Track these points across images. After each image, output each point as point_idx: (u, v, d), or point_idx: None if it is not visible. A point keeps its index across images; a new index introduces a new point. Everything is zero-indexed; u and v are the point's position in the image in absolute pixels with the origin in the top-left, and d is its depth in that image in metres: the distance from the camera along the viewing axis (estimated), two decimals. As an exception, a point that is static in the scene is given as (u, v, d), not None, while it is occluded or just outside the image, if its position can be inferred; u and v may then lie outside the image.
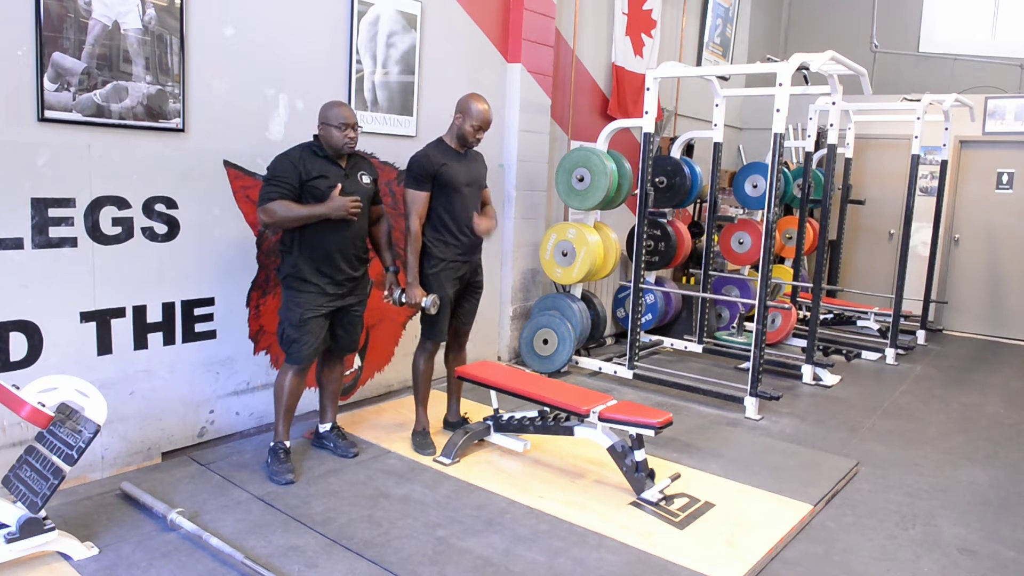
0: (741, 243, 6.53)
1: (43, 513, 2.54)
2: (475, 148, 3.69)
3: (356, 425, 4.00)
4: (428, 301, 3.53)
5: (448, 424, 3.98)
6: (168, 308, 3.39)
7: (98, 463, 3.24)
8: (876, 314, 6.94)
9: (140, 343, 3.31)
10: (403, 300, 3.57)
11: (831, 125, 5.33)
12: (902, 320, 6.49)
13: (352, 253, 3.38)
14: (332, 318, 3.44)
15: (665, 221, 6.02)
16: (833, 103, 5.24)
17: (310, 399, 4.07)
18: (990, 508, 3.43)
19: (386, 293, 3.59)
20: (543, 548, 2.81)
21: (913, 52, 8.39)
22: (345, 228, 3.31)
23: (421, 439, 3.71)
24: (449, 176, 3.53)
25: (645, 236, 5.17)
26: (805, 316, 6.76)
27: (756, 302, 4.81)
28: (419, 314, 3.72)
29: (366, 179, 3.44)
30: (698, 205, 7.07)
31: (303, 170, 3.22)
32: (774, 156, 4.41)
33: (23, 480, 2.56)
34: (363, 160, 3.51)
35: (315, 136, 3.34)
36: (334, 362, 3.63)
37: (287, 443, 3.42)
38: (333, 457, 3.57)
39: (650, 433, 3.23)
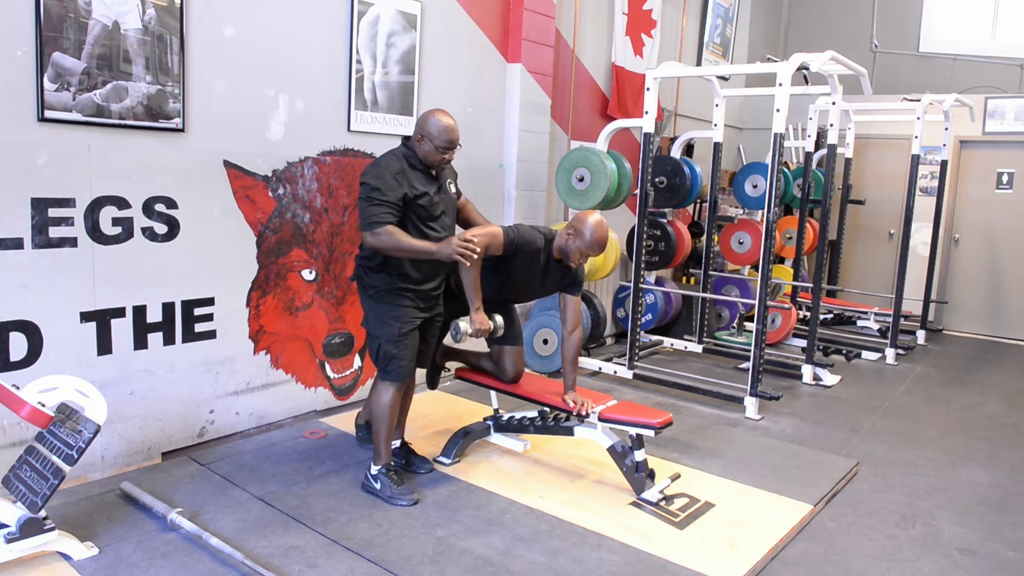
0: (741, 243, 6.53)
1: (43, 513, 2.54)
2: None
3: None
4: (499, 321, 3.34)
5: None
6: (168, 308, 3.39)
7: (98, 463, 3.24)
8: (876, 314, 6.94)
9: (140, 343, 3.30)
10: (471, 331, 3.20)
11: (831, 125, 5.33)
12: (902, 320, 6.49)
13: (443, 267, 3.26)
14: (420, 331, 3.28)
15: (665, 221, 6.01)
16: (833, 103, 5.24)
17: (309, 399, 4.08)
18: (990, 508, 3.43)
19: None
20: (543, 548, 2.81)
21: (913, 52, 8.40)
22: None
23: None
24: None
25: (645, 236, 5.17)
26: (805, 316, 6.76)
27: (756, 302, 4.81)
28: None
29: (453, 187, 3.30)
30: (698, 205, 7.07)
31: (408, 188, 3.04)
32: (774, 156, 4.41)
33: (23, 480, 2.56)
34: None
35: (405, 142, 3.15)
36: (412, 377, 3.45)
37: (392, 462, 3.25)
38: (333, 457, 3.57)
39: (650, 433, 3.23)
